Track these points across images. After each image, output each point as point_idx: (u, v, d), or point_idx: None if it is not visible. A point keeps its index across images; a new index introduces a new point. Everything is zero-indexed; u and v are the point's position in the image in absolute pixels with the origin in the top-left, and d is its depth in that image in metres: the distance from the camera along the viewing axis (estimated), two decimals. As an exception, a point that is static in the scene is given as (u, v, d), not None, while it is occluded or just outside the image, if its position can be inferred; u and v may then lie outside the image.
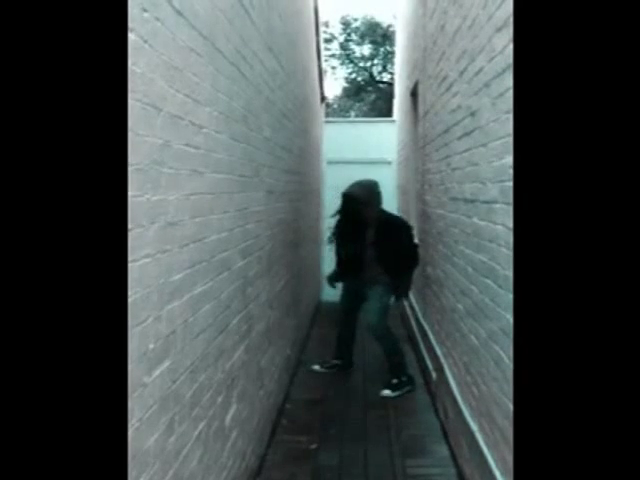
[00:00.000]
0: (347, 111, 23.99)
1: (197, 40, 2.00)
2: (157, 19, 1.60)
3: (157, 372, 1.66)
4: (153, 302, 1.61)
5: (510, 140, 2.15)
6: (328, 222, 5.53)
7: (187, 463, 1.96)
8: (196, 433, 2.06)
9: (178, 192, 1.81)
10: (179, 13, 1.81)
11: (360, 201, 4.66)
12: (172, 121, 1.75)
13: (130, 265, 1.42)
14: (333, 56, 21.71)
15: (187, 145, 1.90)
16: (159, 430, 1.68)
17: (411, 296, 6.28)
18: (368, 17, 21.30)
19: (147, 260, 1.56)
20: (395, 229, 4.68)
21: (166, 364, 1.73)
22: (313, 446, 3.61)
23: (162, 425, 1.70)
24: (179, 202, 1.82)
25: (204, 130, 2.10)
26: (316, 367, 5.10)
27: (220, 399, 2.40)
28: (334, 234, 5.00)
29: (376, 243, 4.64)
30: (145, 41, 1.52)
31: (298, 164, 5.28)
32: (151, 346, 1.61)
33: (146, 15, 1.52)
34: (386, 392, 4.50)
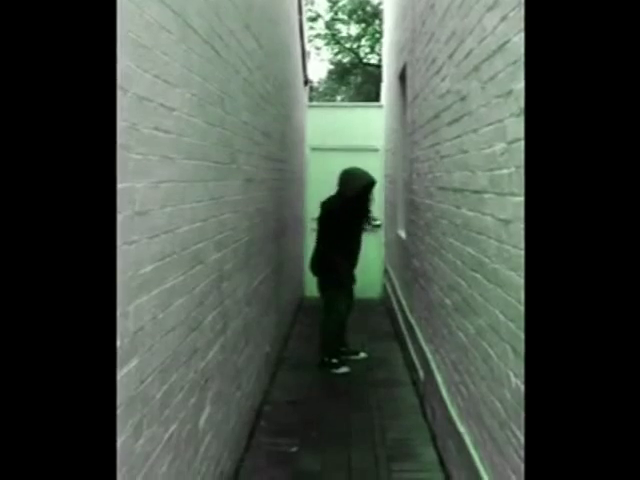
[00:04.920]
0: (332, 95, 23.95)
1: (167, 16, 1.98)
2: (123, -7, 1.58)
3: (124, 371, 1.65)
4: (119, 296, 1.60)
5: (500, 126, 2.16)
6: (311, 213, 5.66)
7: (156, 468, 1.95)
8: (166, 436, 2.06)
9: (146, 179, 1.80)
10: (147, -13, 1.79)
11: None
12: (140, 103, 1.73)
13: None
14: (318, 36, 21.61)
15: (156, 129, 1.88)
16: (126, 433, 1.67)
17: (398, 291, 6.31)
18: (356, -6, 21.21)
19: (112, 252, 1.55)
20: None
21: (134, 363, 1.73)
22: (294, 449, 3.63)
23: (129, 427, 1.70)
24: (147, 190, 1.81)
25: (175, 113, 2.09)
26: (344, 369, 5.13)
27: (193, 400, 2.40)
28: (337, 223, 5.18)
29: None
30: (110, 16, 1.50)
31: (279, 150, 5.26)
32: (117, 344, 1.60)
33: (111, -12, 1.50)
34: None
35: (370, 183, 5.21)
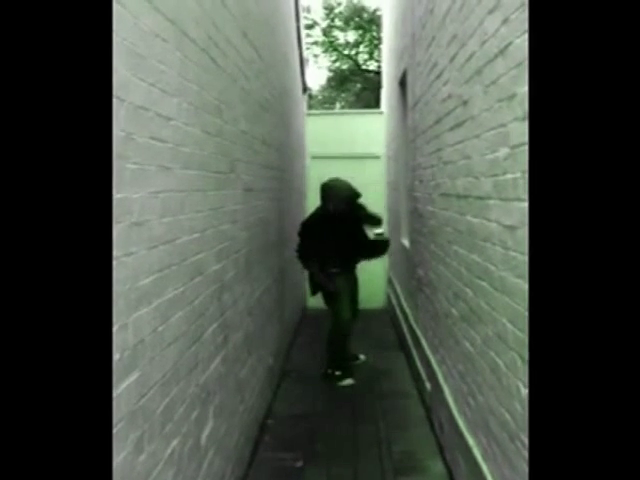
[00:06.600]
0: (332, 102, 24.05)
1: (162, 24, 1.99)
2: (118, 2, 1.59)
3: (124, 385, 1.64)
4: (118, 309, 1.60)
5: (503, 131, 2.16)
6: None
7: (158, 485, 1.94)
8: (168, 452, 2.05)
9: (144, 189, 1.80)
10: (143, -5, 1.79)
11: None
12: (136, 112, 1.73)
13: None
14: (315, 43, 21.73)
15: (153, 138, 1.89)
16: (127, 448, 1.66)
17: (402, 300, 6.29)
18: (353, 1, 21.34)
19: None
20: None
21: (134, 377, 1.72)
22: (299, 464, 3.60)
23: (130, 443, 1.69)
24: (145, 200, 1.81)
25: (172, 122, 2.09)
26: (348, 381, 5.11)
27: (195, 415, 2.38)
28: (315, 233, 5.15)
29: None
30: (105, 25, 1.50)
31: (279, 159, 5.27)
32: (117, 357, 1.59)
33: (106, -3, 1.51)
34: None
35: (354, 195, 5.18)
